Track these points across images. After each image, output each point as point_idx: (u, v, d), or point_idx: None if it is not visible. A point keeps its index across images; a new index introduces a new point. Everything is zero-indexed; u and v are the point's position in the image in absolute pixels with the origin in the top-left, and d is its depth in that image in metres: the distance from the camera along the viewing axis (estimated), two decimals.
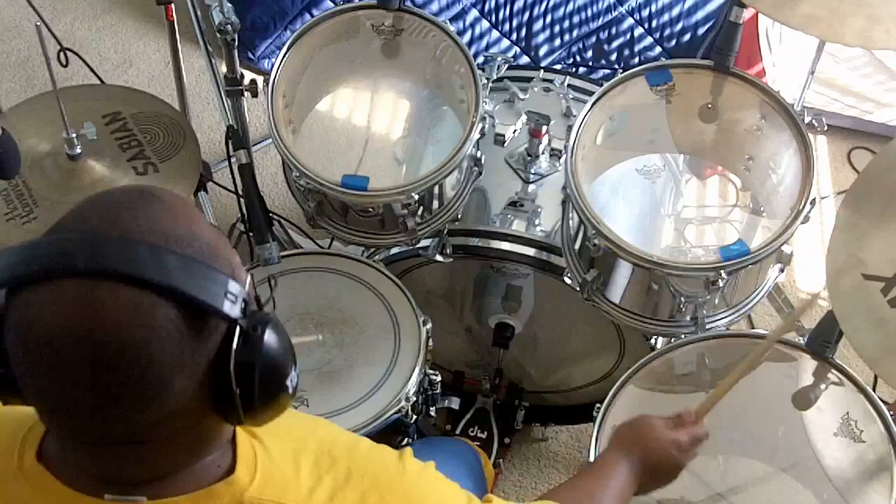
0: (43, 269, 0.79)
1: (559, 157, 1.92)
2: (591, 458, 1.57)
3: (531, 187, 1.98)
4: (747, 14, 1.73)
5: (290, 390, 0.88)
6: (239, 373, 0.83)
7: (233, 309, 0.83)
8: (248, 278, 0.87)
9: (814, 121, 1.76)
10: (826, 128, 1.77)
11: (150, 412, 0.81)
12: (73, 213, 0.84)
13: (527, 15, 2.83)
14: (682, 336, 1.77)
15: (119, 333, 0.78)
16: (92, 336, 0.77)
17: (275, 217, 2.04)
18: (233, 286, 0.83)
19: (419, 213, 1.81)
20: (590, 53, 2.87)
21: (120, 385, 0.79)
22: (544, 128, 1.92)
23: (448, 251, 1.90)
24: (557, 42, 2.85)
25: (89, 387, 0.79)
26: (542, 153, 1.97)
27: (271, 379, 0.86)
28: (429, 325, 1.79)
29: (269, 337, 0.85)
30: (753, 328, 2.39)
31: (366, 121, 1.90)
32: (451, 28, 1.86)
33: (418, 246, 1.89)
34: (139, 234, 0.81)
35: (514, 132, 1.92)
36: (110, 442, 0.84)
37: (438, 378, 1.81)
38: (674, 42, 2.83)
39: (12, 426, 0.92)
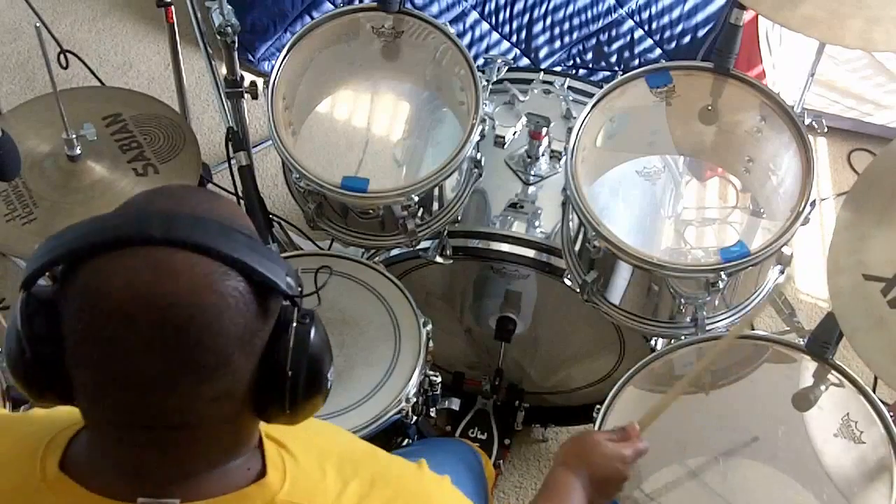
0: (120, 237, 0.81)
1: (559, 159, 1.92)
2: None
3: (531, 189, 1.98)
4: (747, 16, 1.73)
5: (329, 384, 0.91)
6: (294, 355, 0.86)
7: (293, 290, 0.86)
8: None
9: (814, 122, 1.76)
10: (826, 129, 1.77)
11: (207, 387, 0.82)
12: (136, 200, 0.87)
13: (527, 17, 2.83)
14: (682, 337, 1.77)
15: (191, 298, 0.79)
16: (165, 300, 0.79)
17: (275, 219, 2.04)
18: (292, 270, 0.87)
19: (419, 214, 1.81)
20: (590, 55, 2.87)
21: (185, 352, 0.80)
22: (544, 130, 1.92)
23: (448, 253, 1.90)
24: (557, 44, 2.85)
25: (157, 354, 0.80)
26: (542, 155, 1.97)
27: (317, 369, 0.89)
28: (429, 327, 1.79)
29: (317, 328, 0.89)
30: (753, 329, 2.39)
31: (366, 123, 1.90)
32: (452, 30, 1.86)
33: (418, 247, 1.89)
34: (207, 214, 0.84)
35: (514, 134, 1.92)
36: (156, 424, 0.84)
37: (439, 379, 1.81)
38: (674, 44, 2.83)
39: (35, 436, 0.92)
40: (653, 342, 1.94)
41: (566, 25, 2.84)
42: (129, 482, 0.88)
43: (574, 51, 2.87)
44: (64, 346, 0.82)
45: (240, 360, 0.83)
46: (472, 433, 2.21)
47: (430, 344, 1.79)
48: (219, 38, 1.91)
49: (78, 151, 1.82)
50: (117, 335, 0.80)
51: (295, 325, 0.86)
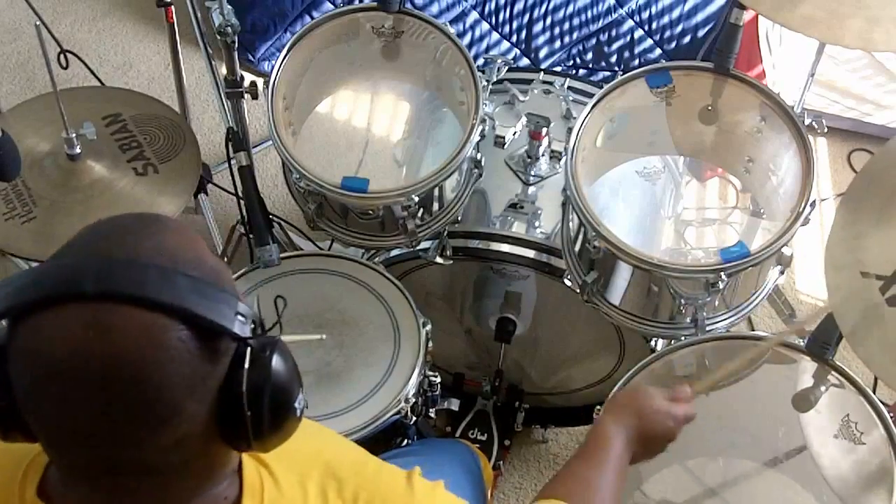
0: (51, 294, 0.78)
1: (559, 159, 1.92)
2: None
3: (531, 189, 1.98)
4: (747, 16, 1.73)
5: (298, 413, 0.88)
6: (250, 395, 0.82)
7: (243, 329, 0.82)
8: (254, 303, 0.87)
9: (814, 123, 1.76)
10: (826, 130, 1.77)
11: (162, 437, 0.80)
12: (77, 239, 0.83)
13: (527, 17, 2.83)
14: (682, 338, 1.77)
15: (131, 356, 0.77)
16: (104, 360, 0.77)
17: (275, 219, 2.03)
18: (242, 307, 0.83)
19: (419, 214, 1.81)
20: (590, 55, 2.87)
21: (133, 408, 0.78)
22: (544, 130, 1.92)
23: (448, 253, 1.90)
24: (557, 44, 2.85)
25: (102, 411, 0.78)
26: (542, 155, 1.97)
27: (281, 401, 0.85)
28: (428, 327, 1.79)
29: (278, 359, 0.85)
30: (754, 330, 2.39)
31: (366, 123, 1.90)
32: (452, 30, 1.86)
33: (418, 248, 1.89)
34: (147, 256, 0.80)
35: (514, 134, 1.92)
36: (120, 472, 0.83)
37: (438, 380, 1.81)
38: (674, 44, 2.83)
39: (13, 461, 0.91)
40: (653, 343, 1.93)
41: (566, 25, 2.84)
42: None
43: (574, 51, 2.87)
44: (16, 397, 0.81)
45: (193, 406, 0.81)
46: (472, 434, 2.21)
47: (430, 344, 1.79)
48: (219, 38, 1.90)
49: (78, 151, 1.82)
50: (62, 395, 0.78)
51: (247, 367, 0.82)
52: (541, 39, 2.85)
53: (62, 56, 2.35)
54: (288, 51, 1.86)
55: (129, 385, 0.77)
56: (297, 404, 0.87)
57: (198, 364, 0.80)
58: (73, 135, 1.79)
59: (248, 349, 0.83)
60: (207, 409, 0.82)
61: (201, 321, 0.79)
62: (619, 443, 1.26)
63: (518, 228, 1.94)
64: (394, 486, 0.99)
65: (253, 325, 0.84)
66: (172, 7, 2.18)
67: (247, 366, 0.82)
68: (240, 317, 0.82)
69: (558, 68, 2.85)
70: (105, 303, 0.77)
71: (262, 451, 0.88)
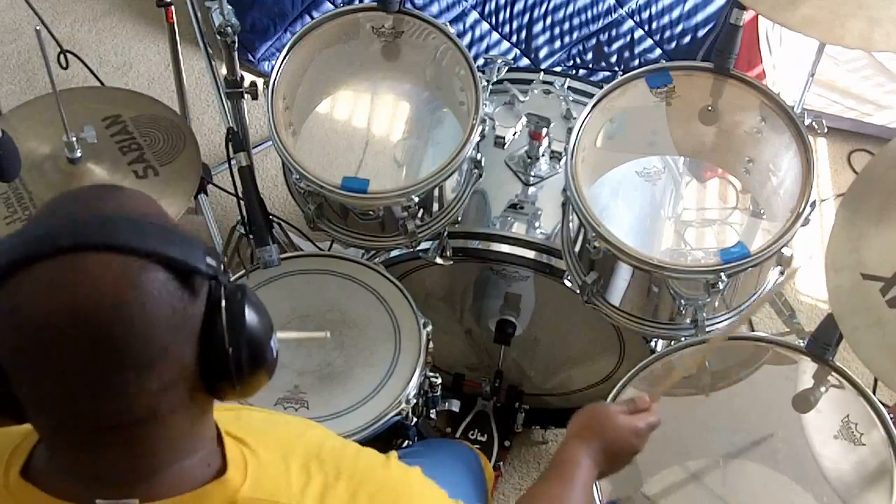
0: (27, 253, 0.80)
1: (559, 160, 1.92)
2: None
3: (531, 190, 1.98)
4: (747, 16, 1.73)
5: (275, 354, 0.91)
6: (230, 331, 0.85)
7: (214, 269, 0.86)
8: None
9: (814, 123, 1.75)
10: (826, 130, 1.77)
11: (150, 381, 0.82)
12: (43, 210, 0.86)
13: (527, 17, 2.83)
14: (682, 339, 1.77)
15: (112, 300, 0.79)
16: (86, 307, 0.78)
17: (275, 219, 2.03)
18: (210, 249, 0.86)
19: (419, 215, 1.81)
20: (590, 55, 2.87)
21: (119, 352, 0.80)
22: (544, 130, 1.92)
23: (448, 253, 1.90)
24: (557, 44, 2.85)
25: (90, 358, 0.79)
26: (542, 155, 1.97)
27: (258, 339, 0.88)
28: (429, 328, 1.79)
29: (250, 299, 0.88)
30: (754, 330, 2.39)
31: (366, 123, 1.90)
32: (452, 30, 1.86)
33: (418, 248, 1.89)
34: (114, 211, 0.84)
35: (514, 134, 1.92)
36: (108, 427, 0.84)
37: (438, 380, 1.81)
38: (674, 44, 2.83)
39: None
40: (653, 343, 1.93)
41: (566, 25, 2.83)
42: (88, 485, 0.87)
43: (574, 51, 2.87)
44: (2, 366, 0.82)
45: (177, 346, 0.83)
46: (472, 435, 2.21)
47: (430, 345, 1.79)
48: (219, 38, 1.90)
49: (78, 154, 1.81)
50: (48, 350, 0.79)
51: (224, 301, 0.85)
52: (541, 39, 2.85)
53: (62, 56, 2.35)
54: (288, 51, 1.86)
55: (114, 328, 0.79)
56: (272, 344, 0.90)
57: (177, 303, 0.82)
58: (74, 138, 1.79)
59: (222, 287, 0.85)
60: (191, 350, 0.84)
61: (175, 262, 0.82)
62: (585, 462, 1.29)
63: (518, 229, 1.94)
64: (372, 467, 1.01)
65: (221, 266, 0.87)
66: (172, 7, 2.18)
67: (223, 302, 0.85)
68: (209, 258, 0.85)
69: (558, 68, 2.85)
70: (80, 254, 0.80)
71: (242, 396, 0.90)
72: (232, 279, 1.83)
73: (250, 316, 0.87)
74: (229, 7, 1.88)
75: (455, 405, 2.07)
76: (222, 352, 0.85)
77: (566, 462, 1.31)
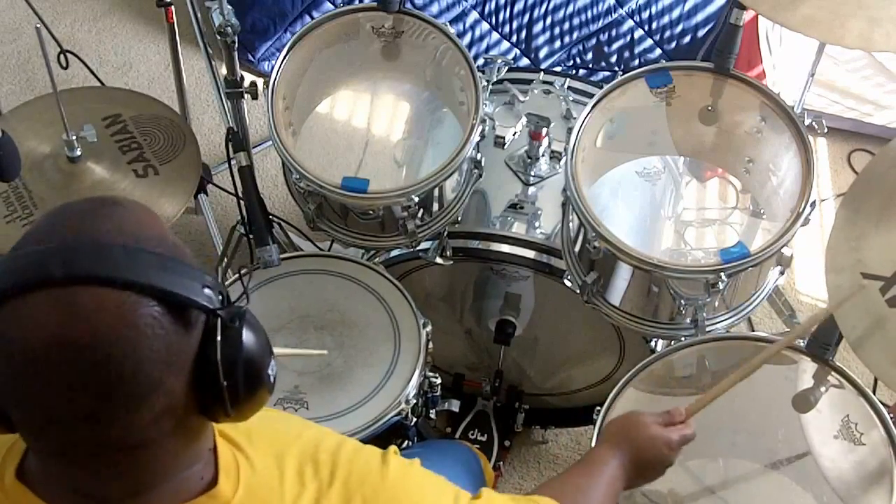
0: (19, 283, 0.78)
1: (559, 160, 1.92)
2: None
3: (531, 189, 1.98)
4: (747, 16, 1.73)
5: (272, 380, 0.89)
6: (224, 363, 0.83)
7: (211, 301, 0.84)
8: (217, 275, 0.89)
9: (814, 123, 1.75)
10: (826, 130, 1.77)
11: (143, 413, 0.81)
12: (37, 229, 0.85)
13: (527, 17, 2.83)
14: (682, 338, 1.77)
15: (106, 336, 0.78)
16: (79, 342, 0.78)
17: (275, 219, 2.03)
18: (208, 279, 0.84)
19: (419, 215, 1.81)
20: (590, 55, 2.87)
21: (112, 387, 0.79)
22: (544, 130, 1.92)
23: (448, 253, 1.90)
24: (557, 44, 2.85)
25: (83, 393, 0.79)
26: (542, 155, 1.97)
27: (254, 368, 0.86)
28: (429, 328, 1.79)
29: (248, 327, 0.86)
30: (754, 331, 2.39)
31: (366, 123, 1.90)
32: (452, 30, 1.86)
33: (418, 248, 1.89)
34: (109, 237, 0.81)
35: (514, 134, 1.92)
36: (101, 452, 0.83)
37: (438, 380, 1.81)
38: (674, 44, 2.83)
39: None
40: (653, 343, 1.93)
41: (566, 25, 2.83)
42: (80, 498, 0.87)
43: (574, 51, 2.87)
44: None
45: (170, 379, 0.82)
46: (472, 435, 2.21)
47: (430, 345, 1.79)
48: (219, 38, 1.90)
49: (78, 153, 1.82)
50: (40, 381, 0.79)
51: (220, 334, 0.84)
52: (541, 39, 2.85)
53: (62, 56, 2.35)
54: (288, 51, 1.86)
55: (107, 365, 0.78)
56: (269, 371, 0.89)
57: (172, 338, 0.81)
58: (74, 137, 1.79)
59: (219, 319, 0.84)
60: (185, 382, 0.83)
61: (170, 296, 0.81)
62: (614, 464, 1.29)
63: (518, 229, 1.94)
64: (369, 467, 1.00)
65: (220, 296, 0.86)
66: (172, 7, 2.17)
67: (219, 336, 0.83)
68: (206, 289, 0.84)
69: (558, 68, 2.85)
70: (74, 286, 0.78)
71: (238, 420, 0.89)
72: (231, 279, 1.85)
73: (248, 344, 0.85)
74: (229, 7, 1.88)
75: (455, 405, 2.07)
76: (217, 384, 0.84)
77: (594, 460, 1.30)
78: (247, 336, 0.85)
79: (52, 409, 0.80)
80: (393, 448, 1.04)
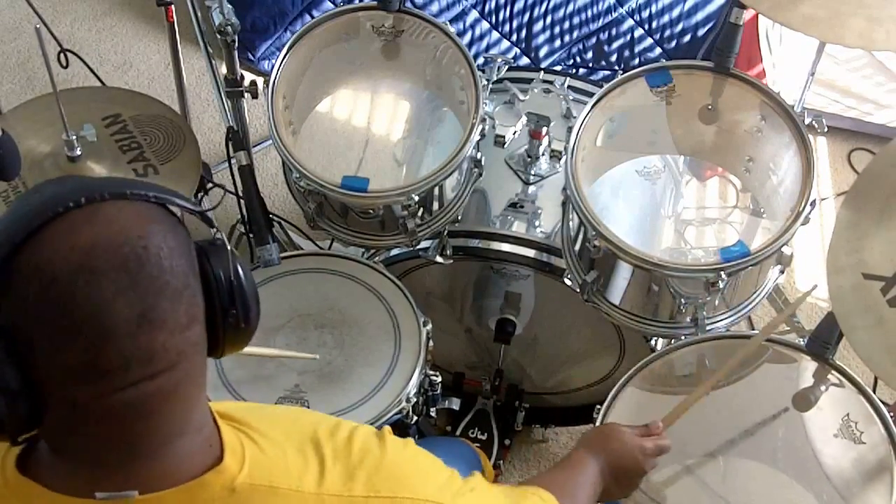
0: (40, 213, 0.82)
1: (559, 159, 1.92)
2: None
3: (531, 188, 1.98)
4: (747, 15, 1.73)
5: (259, 310, 0.95)
6: (233, 271, 0.91)
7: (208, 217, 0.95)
8: None
9: (814, 122, 1.75)
10: (826, 129, 1.77)
11: (180, 311, 0.85)
12: (27, 194, 0.88)
13: (527, 16, 2.83)
14: (682, 337, 1.77)
15: (137, 232, 0.84)
16: (116, 240, 0.82)
17: (275, 218, 2.03)
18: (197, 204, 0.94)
19: (419, 214, 1.81)
20: (590, 55, 2.87)
21: (154, 279, 0.83)
22: (544, 129, 1.92)
23: (448, 252, 1.90)
24: (557, 43, 2.85)
25: (131, 290, 0.82)
26: (542, 154, 1.97)
27: (251, 288, 0.93)
28: (429, 326, 1.79)
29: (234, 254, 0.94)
30: (754, 329, 2.39)
31: (366, 122, 1.90)
32: (452, 29, 1.86)
33: (418, 247, 1.89)
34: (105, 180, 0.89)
35: (514, 133, 1.92)
36: (142, 374, 0.84)
37: (439, 379, 1.81)
38: (674, 43, 2.83)
39: None
40: (653, 342, 1.94)
41: (566, 24, 2.84)
42: (88, 476, 0.88)
43: (574, 50, 2.87)
44: (26, 356, 0.82)
45: (192, 282, 0.87)
46: (473, 433, 2.21)
47: (430, 344, 1.79)
48: (219, 37, 1.90)
49: (78, 152, 1.82)
50: (88, 292, 0.81)
51: (229, 247, 0.92)
52: (541, 38, 2.85)
53: (62, 55, 2.35)
54: (288, 50, 1.86)
55: (146, 257, 0.83)
56: (258, 301, 0.95)
57: (187, 237, 0.88)
58: (74, 137, 1.79)
59: (216, 229, 0.93)
60: (198, 286, 0.88)
61: (174, 204, 0.89)
62: (593, 467, 1.34)
63: (518, 228, 1.94)
64: (368, 446, 1.01)
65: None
66: (172, 6, 2.17)
67: (230, 247, 0.92)
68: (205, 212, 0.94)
69: (558, 67, 2.85)
70: (93, 205, 0.84)
71: (234, 349, 0.94)
72: None
73: (242, 264, 0.93)
74: (229, 6, 1.88)
75: (455, 404, 2.07)
76: (224, 284, 0.90)
77: (571, 461, 1.35)
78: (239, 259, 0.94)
79: (107, 319, 0.81)
80: (387, 428, 1.05)
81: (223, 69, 2.02)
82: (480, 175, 1.88)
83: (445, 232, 1.89)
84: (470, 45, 2.82)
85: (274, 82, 1.82)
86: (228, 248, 0.92)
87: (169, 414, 0.88)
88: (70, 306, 0.81)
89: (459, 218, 1.90)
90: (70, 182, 0.86)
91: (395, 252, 1.95)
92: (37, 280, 0.81)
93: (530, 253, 1.90)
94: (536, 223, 1.95)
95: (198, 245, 0.91)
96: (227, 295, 0.91)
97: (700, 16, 2.80)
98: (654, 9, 2.81)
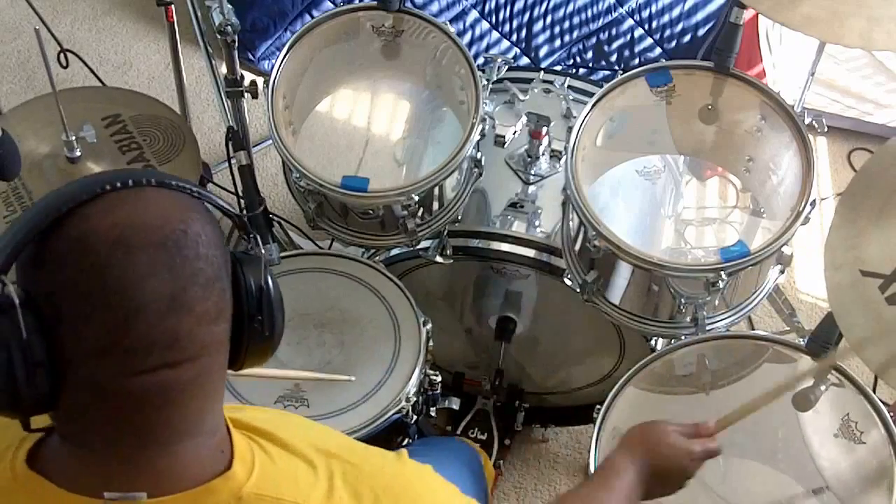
0: (84, 191, 0.83)
1: (559, 159, 1.92)
2: (592, 460, 1.57)
3: (531, 188, 1.98)
4: (747, 15, 1.73)
5: (283, 321, 0.97)
6: (261, 272, 0.92)
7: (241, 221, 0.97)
8: None
9: (814, 122, 1.76)
10: (826, 129, 1.77)
11: (210, 301, 0.85)
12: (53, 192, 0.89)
13: (527, 16, 2.83)
14: (683, 337, 1.77)
15: (176, 216, 0.85)
16: (156, 220, 0.84)
17: (275, 218, 2.04)
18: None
19: (419, 214, 1.81)
20: (590, 54, 2.87)
21: (190, 263, 0.84)
22: (544, 129, 1.92)
23: (448, 252, 1.90)
24: (557, 43, 2.85)
25: (165, 270, 0.82)
26: (543, 154, 1.97)
27: (278, 298, 0.94)
28: (429, 326, 1.79)
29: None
30: (754, 329, 2.39)
31: (366, 122, 1.90)
32: (452, 29, 1.86)
33: (418, 247, 1.89)
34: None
35: (514, 133, 1.92)
36: (166, 359, 0.84)
37: (439, 378, 1.81)
38: (674, 43, 2.83)
39: (5, 438, 0.92)
40: (653, 342, 1.93)
41: (566, 24, 2.83)
42: (97, 475, 0.87)
43: (574, 50, 2.87)
44: (53, 330, 0.82)
45: (225, 276, 0.88)
46: (473, 433, 2.21)
47: (430, 343, 1.79)
48: (219, 37, 1.90)
49: (77, 153, 1.81)
50: (124, 265, 0.81)
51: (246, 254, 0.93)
52: (541, 38, 2.85)
53: (62, 55, 2.35)
54: (288, 50, 1.86)
55: (183, 240, 0.84)
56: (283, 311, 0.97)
57: (223, 237, 0.89)
58: (73, 137, 1.79)
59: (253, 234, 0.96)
60: (229, 288, 0.89)
61: (210, 202, 0.91)
62: (631, 474, 1.25)
63: (518, 228, 1.94)
64: (382, 464, 1.01)
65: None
66: (172, 6, 2.18)
67: (262, 254, 0.94)
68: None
69: (558, 67, 2.85)
70: (137, 188, 0.85)
71: (259, 356, 0.95)
72: None
73: (271, 275, 0.94)
74: (229, 6, 1.88)
75: (455, 403, 2.07)
76: (253, 290, 0.91)
77: (609, 470, 1.27)
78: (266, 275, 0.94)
79: (138, 296, 0.81)
80: (405, 451, 1.04)
81: (223, 69, 2.01)
82: (480, 175, 1.88)
83: (445, 232, 1.89)
84: (470, 45, 2.82)
85: (274, 82, 1.82)
86: (261, 256, 0.93)
87: (184, 408, 0.88)
88: (104, 278, 0.81)
89: (459, 218, 1.90)
90: (116, 170, 0.88)
91: (395, 252, 1.95)
92: (75, 251, 0.82)
93: (530, 253, 1.90)
94: (536, 223, 1.95)
95: (232, 253, 0.91)
96: (256, 301, 0.91)
97: (700, 16, 2.80)
98: (654, 9, 2.81)
